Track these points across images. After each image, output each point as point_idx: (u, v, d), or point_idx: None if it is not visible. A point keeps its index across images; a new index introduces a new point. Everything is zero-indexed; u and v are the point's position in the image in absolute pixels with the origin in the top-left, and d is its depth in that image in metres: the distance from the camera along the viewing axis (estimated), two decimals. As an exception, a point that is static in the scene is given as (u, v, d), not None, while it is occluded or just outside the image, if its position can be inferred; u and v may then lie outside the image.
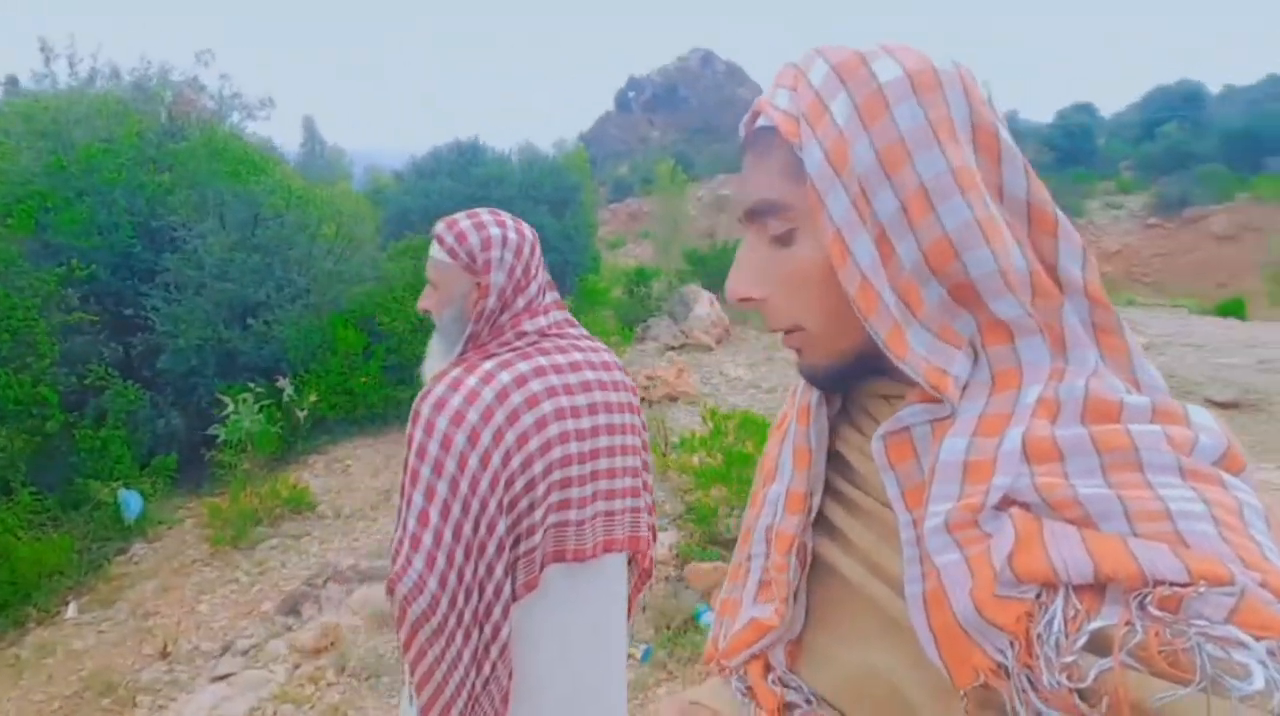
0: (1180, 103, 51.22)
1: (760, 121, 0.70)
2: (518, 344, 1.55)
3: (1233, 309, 15.16)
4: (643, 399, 6.97)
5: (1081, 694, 0.52)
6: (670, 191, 21.54)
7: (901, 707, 0.65)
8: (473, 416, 1.43)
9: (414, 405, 1.48)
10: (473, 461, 1.42)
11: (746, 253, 0.72)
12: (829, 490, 0.77)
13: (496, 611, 1.48)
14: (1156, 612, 0.51)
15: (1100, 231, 33.32)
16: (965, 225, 0.62)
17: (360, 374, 6.67)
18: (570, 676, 1.63)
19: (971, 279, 0.63)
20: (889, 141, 0.63)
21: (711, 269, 12.86)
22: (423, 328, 7.18)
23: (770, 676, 0.78)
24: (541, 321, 1.59)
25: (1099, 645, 0.52)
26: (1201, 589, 0.51)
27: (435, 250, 1.57)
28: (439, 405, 1.45)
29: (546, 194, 13.25)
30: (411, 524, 1.45)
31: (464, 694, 1.48)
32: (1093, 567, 0.53)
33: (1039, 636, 0.54)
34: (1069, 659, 0.52)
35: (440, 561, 1.43)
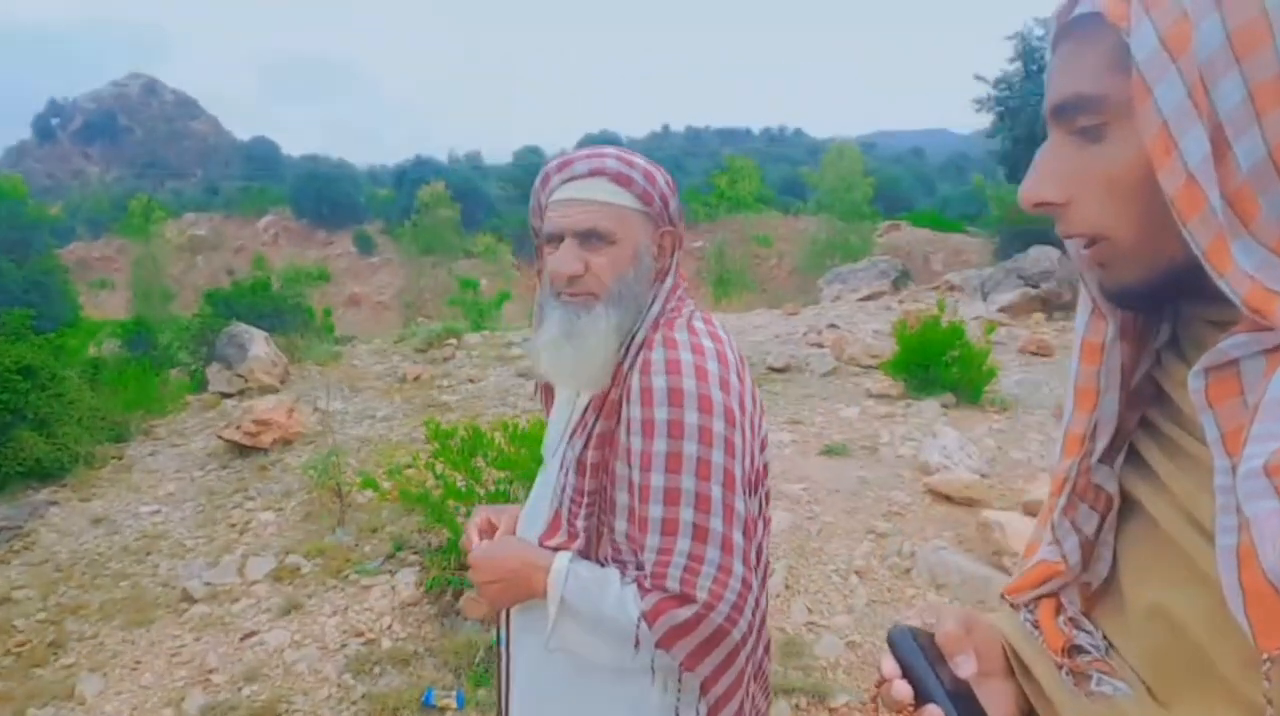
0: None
1: (1080, 8, 0.62)
2: (687, 300, 1.32)
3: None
4: (254, 447, 5.96)
5: None
6: (144, 232, 18.55)
7: (1200, 666, 0.60)
8: (734, 380, 1.19)
9: (652, 383, 1.15)
10: (747, 432, 1.20)
11: (1047, 154, 0.66)
12: (1147, 426, 0.71)
13: (763, 599, 1.27)
14: None
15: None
16: None
17: None
18: None
19: None
20: (1246, 18, 0.53)
21: (241, 308, 11.43)
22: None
23: (1061, 617, 0.73)
24: None
25: None
26: None
27: (614, 193, 1.21)
28: (701, 374, 1.15)
29: (1, 234, 10.41)
30: (718, 526, 1.13)
31: (747, 705, 1.24)
32: None
33: None
34: None
35: (752, 558, 1.18)
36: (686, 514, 1.13)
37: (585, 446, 1.22)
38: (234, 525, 4.75)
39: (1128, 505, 0.71)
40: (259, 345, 9.32)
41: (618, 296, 1.21)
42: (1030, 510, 4.05)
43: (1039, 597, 0.75)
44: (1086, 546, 0.73)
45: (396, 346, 10.88)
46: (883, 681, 0.69)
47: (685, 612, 1.12)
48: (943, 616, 0.73)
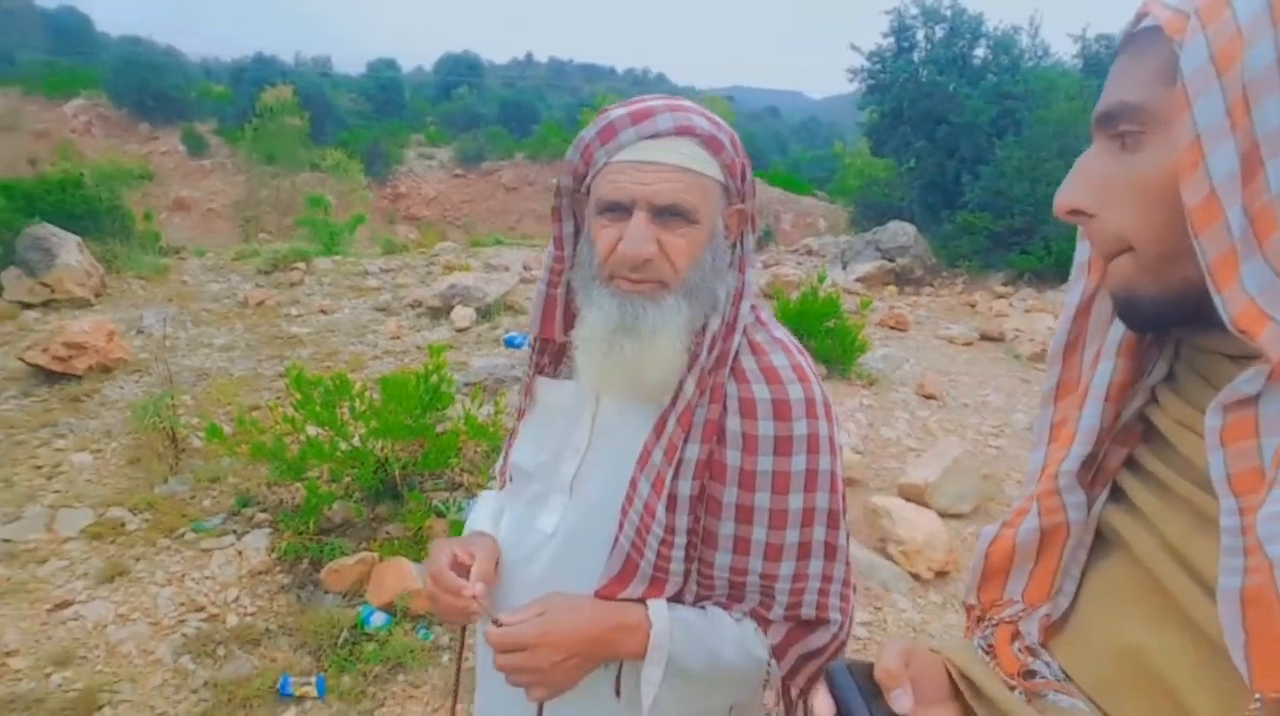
0: (466, 70, 58.44)
1: (1144, 23, 0.63)
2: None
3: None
4: (65, 374, 5.20)
5: None
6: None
7: (1165, 702, 0.59)
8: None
9: (788, 395, 1.04)
10: None
11: (1086, 159, 0.66)
12: (1134, 466, 0.71)
13: None
14: None
15: (419, 179, 36.17)
16: None
17: None
18: None
19: None
20: None
21: (46, 206, 9.98)
22: None
23: (1017, 644, 0.73)
24: None
25: None
26: None
27: (702, 160, 1.01)
28: (817, 376, 1.09)
29: None
30: (842, 540, 1.11)
31: None
32: None
33: None
34: None
35: None
36: (819, 533, 1.08)
37: (676, 475, 1.03)
38: (40, 467, 4.09)
39: (1104, 542, 0.71)
40: (70, 252, 8.21)
41: (692, 287, 1.03)
42: (906, 493, 4.13)
43: (996, 624, 0.75)
44: (1001, 544, 0.75)
45: (235, 264, 9.90)
46: None
47: (820, 639, 1.11)
48: (882, 650, 0.73)
